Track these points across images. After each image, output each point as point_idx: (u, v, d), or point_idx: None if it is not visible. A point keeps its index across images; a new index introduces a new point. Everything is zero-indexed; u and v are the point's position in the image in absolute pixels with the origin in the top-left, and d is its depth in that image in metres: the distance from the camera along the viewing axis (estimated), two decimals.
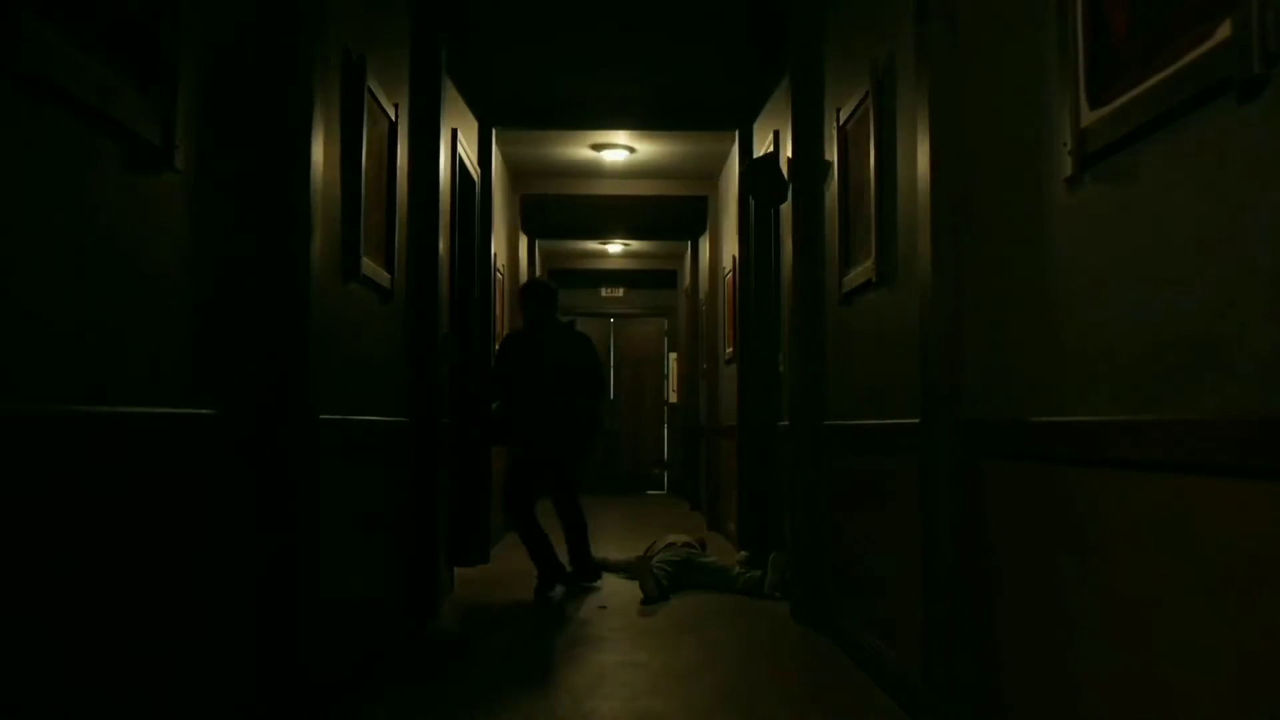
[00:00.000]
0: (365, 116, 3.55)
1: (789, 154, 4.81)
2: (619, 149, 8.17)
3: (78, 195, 1.74)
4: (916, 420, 2.94)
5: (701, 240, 10.30)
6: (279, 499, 2.71)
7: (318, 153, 2.91)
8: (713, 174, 9.09)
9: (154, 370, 2.03)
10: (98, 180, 1.81)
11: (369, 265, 3.64)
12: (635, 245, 11.94)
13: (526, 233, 10.09)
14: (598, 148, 8.15)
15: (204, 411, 2.25)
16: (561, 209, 10.24)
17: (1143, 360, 1.81)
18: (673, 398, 14.09)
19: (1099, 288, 1.98)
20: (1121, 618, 1.86)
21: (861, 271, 3.76)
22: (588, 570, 5.70)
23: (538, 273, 11.38)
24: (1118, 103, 1.86)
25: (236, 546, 2.49)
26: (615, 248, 12.06)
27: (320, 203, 2.95)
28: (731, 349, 7.71)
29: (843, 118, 4.06)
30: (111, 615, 1.84)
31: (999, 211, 2.51)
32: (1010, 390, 2.43)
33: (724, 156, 8.37)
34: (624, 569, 6.11)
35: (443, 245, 4.90)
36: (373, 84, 3.68)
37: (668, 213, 10.23)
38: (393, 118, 4.03)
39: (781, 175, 5.26)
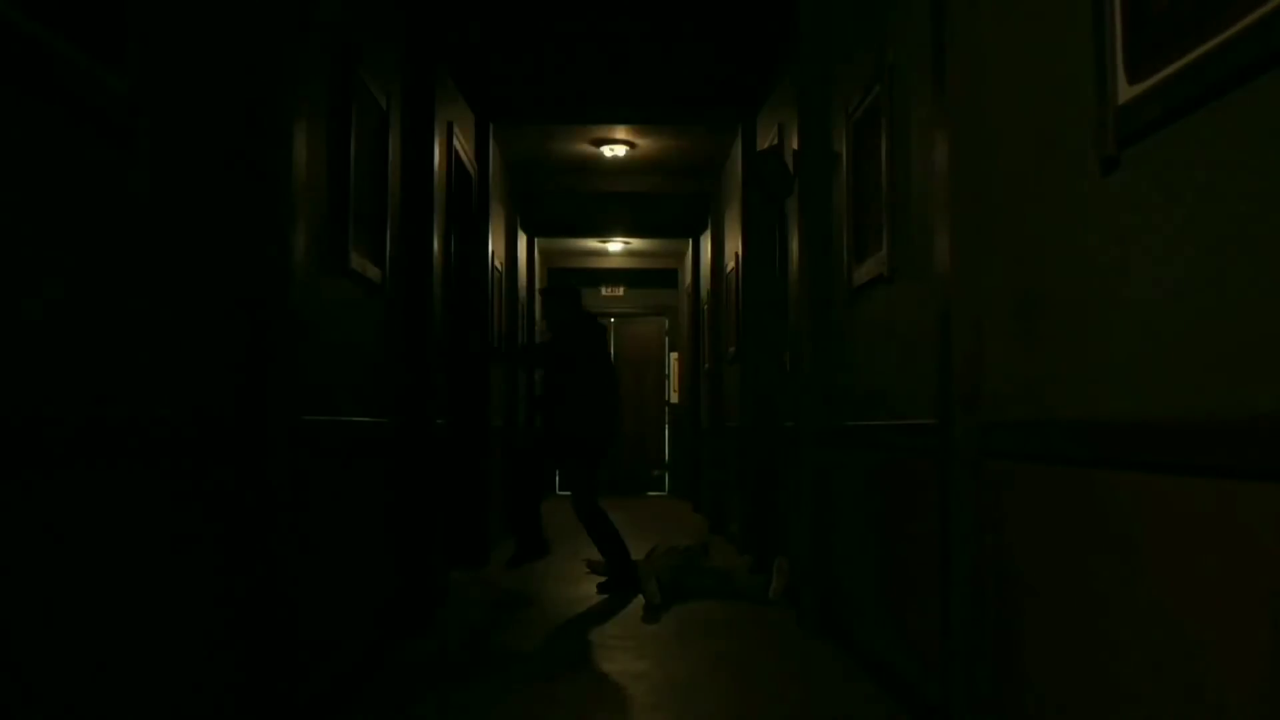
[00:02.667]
0: (354, 104, 3.40)
1: (795, 146, 4.67)
2: (619, 144, 8.03)
3: (19, 174, 1.59)
4: (933, 421, 2.80)
5: (703, 238, 10.15)
6: (259, 505, 2.56)
7: (301, 139, 2.76)
8: (715, 169, 8.95)
9: (116, 368, 1.88)
10: (44, 158, 1.66)
11: (358, 260, 3.50)
12: (636, 243, 11.80)
13: (525, 230, 9.95)
14: (597, 143, 8.02)
15: (178, 412, 2.10)
16: (561, 206, 10.11)
17: (1187, 357, 1.66)
18: (674, 398, 13.94)
19: (1137, 278, 1.83)
20: (1161, 631, 1.71)
21: (872, 265, 3.62)
22: (627, 575, 5.51)
23: (537, 272, 11.24)
24: (1160, 75, 1.71)
25: (214, 557, 2.34)
26: (615, 246, 11.92)
27: (304, 191, 2.80)
28: (734, 348, 7.57)
29: (852, 106, 3.91)
30: (74, 635, 1.69)
31: (1024, 198, 2.36)
32: (1036, 391, 2.28)
33: (726, 151, 8.23)
34: None
35: (437, 242, 4.75)
36: (363, 71, 3.53)
37: (669, 209, 10.10)
38: (384, 107, 3.88)
39: (787, 168, 5.12)
